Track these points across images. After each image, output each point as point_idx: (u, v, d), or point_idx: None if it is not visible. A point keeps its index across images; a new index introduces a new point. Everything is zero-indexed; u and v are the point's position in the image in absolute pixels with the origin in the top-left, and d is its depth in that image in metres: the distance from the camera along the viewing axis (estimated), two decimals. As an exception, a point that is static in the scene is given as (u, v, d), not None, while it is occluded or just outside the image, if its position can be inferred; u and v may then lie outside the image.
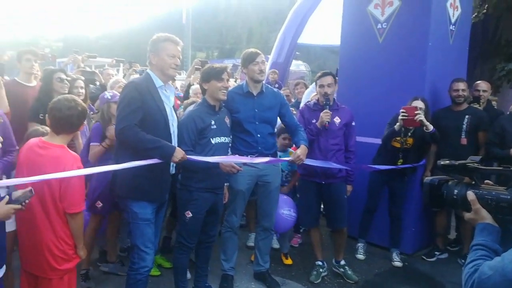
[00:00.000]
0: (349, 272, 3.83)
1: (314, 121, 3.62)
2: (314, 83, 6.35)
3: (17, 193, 2.08)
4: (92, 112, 4.02)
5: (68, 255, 2.38)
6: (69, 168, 2.26)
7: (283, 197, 3.83)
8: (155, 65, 2.77)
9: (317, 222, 3.90)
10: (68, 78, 3.81)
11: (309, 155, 3.49)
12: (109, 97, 3.45)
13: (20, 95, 3.76)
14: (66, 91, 3.65)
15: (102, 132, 3.35)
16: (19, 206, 2.03)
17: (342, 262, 3.90)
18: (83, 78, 4.15)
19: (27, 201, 2.07)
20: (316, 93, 5.11)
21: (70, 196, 2.28)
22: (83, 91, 3.97)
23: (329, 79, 3.62)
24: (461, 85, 4.10)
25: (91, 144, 3.36)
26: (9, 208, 2.00)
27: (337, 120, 3.65)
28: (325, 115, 3.52)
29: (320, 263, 3.87)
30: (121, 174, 2.70)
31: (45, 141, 2.37)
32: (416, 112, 3.71)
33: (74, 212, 2.32)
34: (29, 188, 2.11)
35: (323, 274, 3.84)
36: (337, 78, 3.86)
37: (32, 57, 4.01)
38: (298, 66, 19.28)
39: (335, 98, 3.80)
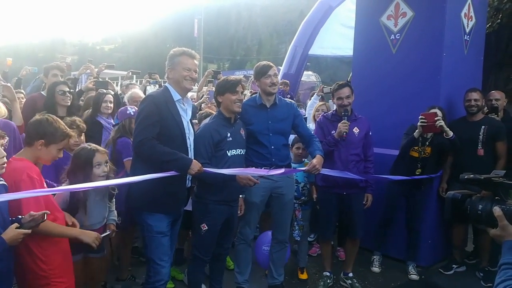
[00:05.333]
0: (357, 284, 3.79)
1: (333, 132, 3.63)
2: (315, 95, 6.46)
3: (26, 218, 2.06)
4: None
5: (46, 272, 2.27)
6: (18, 179, 2.15)
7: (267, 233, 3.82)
8: (172, 79, 2.82)
9: (333, 235, 3.88)
10: (72, 91, 3.81)
11: (330, 166, 3.52)
12: (132, 113, 3.44)
13: None
14: (69, 103, 3.68)
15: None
16: (28, 231, 2.01)
17: (350, 274, 3.87)
18: (112, 92, 4.17)
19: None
20: (322, 103, 5.16)
21: (25, 210, 2.13)
22: (111, 105, 4.02)
23: (347, 91, 3.64)
24: (474, 95, 4.06)
25: (126, 159, 3.29)
26: (17, 233, 1.98)
27: (356, 130, 3.66)
28: (343, 126, 3.52)
29: (328, 273, 3.88)
30: (137, 186, 2.70)
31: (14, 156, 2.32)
32: (436, 118, 3.70)
33: None
34: (42, 212, 2.08)
35: (330, 284, 3.84)
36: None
37: (58, 72, 4.12)
38: (308, 76, 19.30)
39: (353, 108, 3.78)
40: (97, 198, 2.78)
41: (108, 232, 2.82)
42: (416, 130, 3.81)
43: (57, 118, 2.45)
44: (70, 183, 2.61)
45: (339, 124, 3.54)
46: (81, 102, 4.50)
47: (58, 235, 2.32)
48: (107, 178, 2.73)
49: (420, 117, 3.77)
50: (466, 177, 1.48)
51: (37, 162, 2.40)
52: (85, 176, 2.62)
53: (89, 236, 2.43)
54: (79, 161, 2.66)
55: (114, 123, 4.04)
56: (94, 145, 2.78)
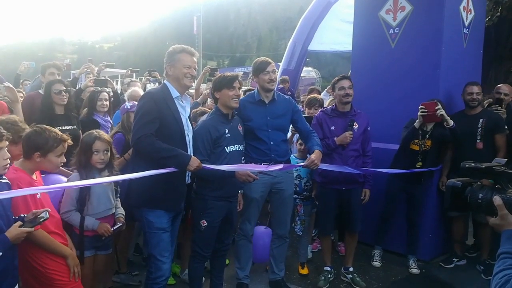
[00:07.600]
0: (357, 278, 3.80)
1: (333, 128, 3.63)
2: (325, 91, 6.38)
3: (29, 216, 2.08)
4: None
5: (49, 279, 2.32)
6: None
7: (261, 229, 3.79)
8: (171, 76, 2.82)
9: (332, 230, 3.88)
10: (69, 89, 3.80)
11: (329, 162, 3.52)
12: (129, 107, 3.50)
13: None
14: (65, 102, 3.67)
15: (125, 142, 3.36)
16: (31, 230, 2.03)
17: (351, 269, 3.88)
18: (108, 90, 4.17)
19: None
20: (333, 99, 5.10)
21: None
22: (107, 103, 4.00)
23: (348, 82, 3.66)
24: (475, 89, 4.04)
25: None
26: (20, 232, 2.00)
27: (355, 126, 3.66)
28: (350, 136, 3.55)
29: (328, 268, 3.89)
30: (137, 183, 2.72)
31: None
32: (436, 107, 3.70)
33: None
34: (44, 209, 2.10)
35: (331, 279, 3.86)
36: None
37: (55, 70, 4.11)
38: (308, 72, 19.33)
39: (352, 104, 3.77)
40: None
41: (119, 225, 2.88)
42: (417, 121, 3.81)
43: (46, 127, 2.42)
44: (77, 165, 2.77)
45: (346, 134, 3.56)
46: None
47: (50, 249, 2.33)
48: (107, 166, 2.85)
49: (420, 107, 3.77)
50: (467, 165, 1.47)
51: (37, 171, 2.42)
52: (86, 160, 2.78)
53: (75, 261, 2.46)
54: (82, 145, 2.82)
55: (111, 121, 4.05)
56: (101, 132, 2.90)
